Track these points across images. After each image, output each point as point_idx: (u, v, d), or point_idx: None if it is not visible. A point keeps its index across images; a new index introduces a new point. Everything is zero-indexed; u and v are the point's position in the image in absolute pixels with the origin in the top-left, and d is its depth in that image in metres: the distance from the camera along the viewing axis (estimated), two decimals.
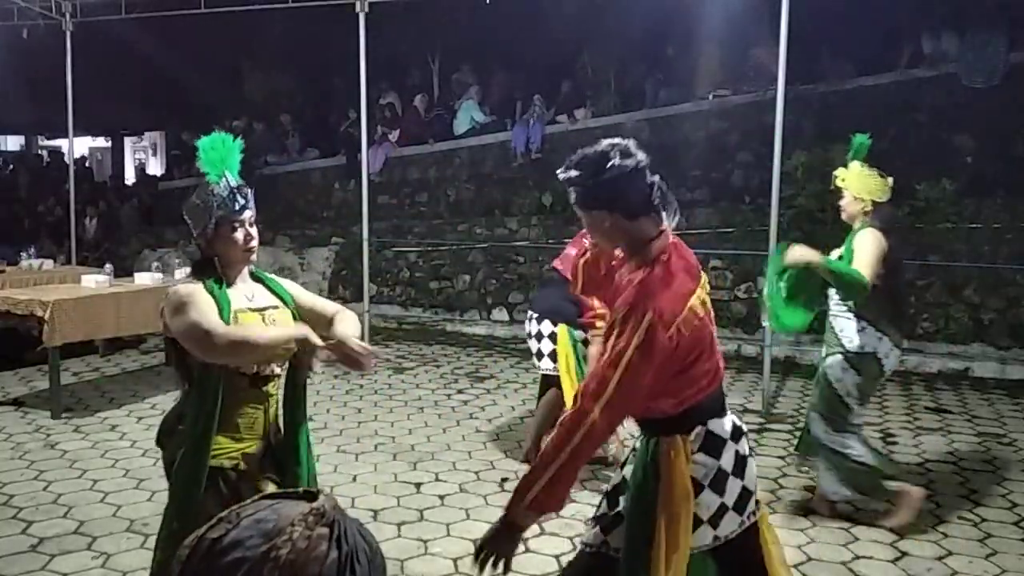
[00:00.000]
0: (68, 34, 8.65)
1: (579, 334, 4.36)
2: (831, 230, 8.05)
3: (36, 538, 3.82)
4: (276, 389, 2.49)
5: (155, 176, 16.65)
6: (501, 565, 2.08)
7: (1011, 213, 7.47)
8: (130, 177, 18.47)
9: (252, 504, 0.88)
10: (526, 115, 10.66)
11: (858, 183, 3.94)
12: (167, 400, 6.16)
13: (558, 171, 2.27)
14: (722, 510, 2.22)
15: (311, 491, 0.90)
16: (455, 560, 3.61)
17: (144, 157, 23.16)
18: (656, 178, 2.21)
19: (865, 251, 3.75)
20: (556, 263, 4.56)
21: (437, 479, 4.61)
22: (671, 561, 2.13)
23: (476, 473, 4.72)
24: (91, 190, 13.98)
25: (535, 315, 4.62)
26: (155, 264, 7.57)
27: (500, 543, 2.10)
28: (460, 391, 6.57)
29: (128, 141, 21.07)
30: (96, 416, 5.78)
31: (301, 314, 2.50)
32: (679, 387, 2.15)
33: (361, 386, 6.74)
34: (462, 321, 9.36)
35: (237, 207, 2.33)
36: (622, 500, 2.26)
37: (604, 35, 10.70)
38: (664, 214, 2.21)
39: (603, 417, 2.04)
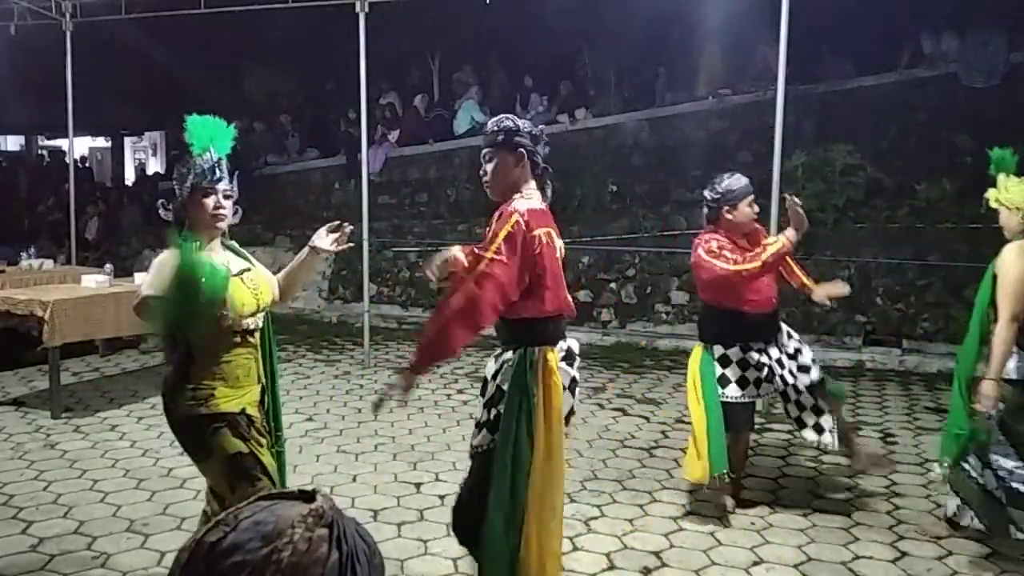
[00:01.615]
0: (68, 34, 8.65)
1: (717, 349, 4.05)
2: (831, 230, 8.08)
3: (36, 538, 3.82)
4: (259, 340, 2.81)
5: (155, 176, 16.66)
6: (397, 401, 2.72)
7: None
8: (130, 177, 18.47)
9: (249, 506, 0.88)
10: (531, 115, 10.67)
11: (1016, 195, 3.66)
12: None
13: (492, 120, 2.91)
14: (570, 411, 2.88)
15: (307, 491, 0.89)
16: (455, 560, 3.61)
17: (144, 157, 23.15)
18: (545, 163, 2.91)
19: (1009, 280, 3.55)
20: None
21: (437, 479, 4.61)
22: (552, 443, 2.69)
23: None
24: (91, 190, 13.99)
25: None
26: None
27: (401, 385, 2.71)
28: (460, 391, 6.57)
29: (128, 141, 21.06)
30: (96, 416, 5.78)
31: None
32: (543, 296, 2.73)
33: (361, 386, 6.74)
34: None
35: (211, 177, 2.64)
36: (503, 404, 2.74)
37: (604, 35, 10.69)
38: (545, 183, 2.92)
39: (482, 287, 2.61)
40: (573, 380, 2.87)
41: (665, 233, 8.83)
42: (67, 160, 11.98)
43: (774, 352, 4.06)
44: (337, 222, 2.90)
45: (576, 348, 2.92)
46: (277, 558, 0.81)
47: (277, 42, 12.76)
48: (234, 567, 0.81)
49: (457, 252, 2.74)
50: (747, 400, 4.06)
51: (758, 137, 8.36)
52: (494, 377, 2.84)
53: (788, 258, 4.12)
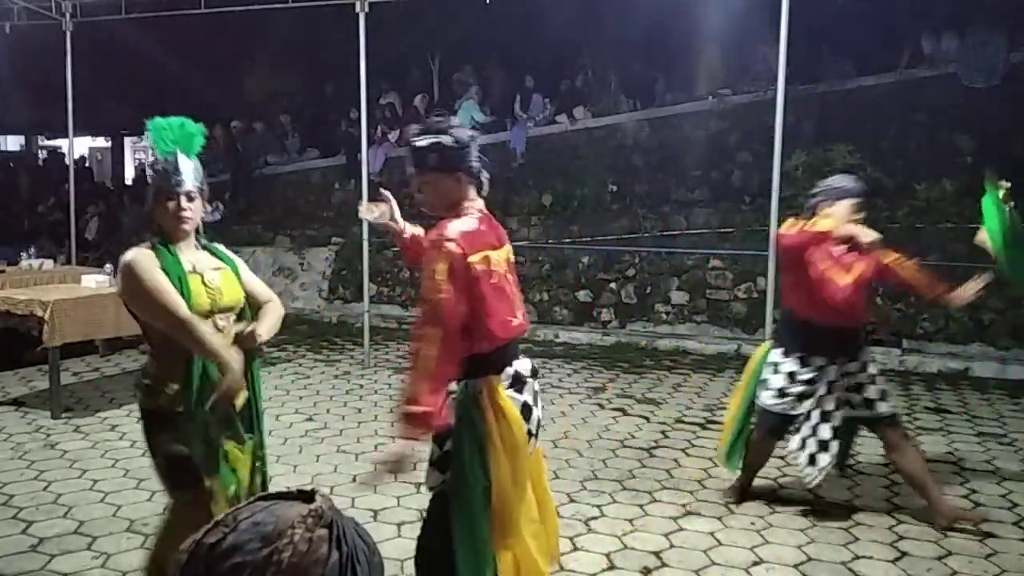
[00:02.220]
0: (68, 34, 8.64)
1: (777, 352, 4.00)
2: None
3: (36, 538, 3.82)
4: (228, 333, 2.71)
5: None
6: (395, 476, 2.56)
7: None
8: (130, 177, 18.46)
9: (248, 506, 0.87)
10: (527, 115, 10.68)
11: None
12: None
13: (412, 138, 2.61)
14: (528, 437, 2.59)
15: (306, 491, 0.89)
16: None
17: (144, 157, 23.14)
18: (478, 153, 2.61)
19: None
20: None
21: None
22: (516, 468, 2.49)
23: None
24: (91, 190, 13.98)
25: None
26: None
27: (398, 461, 2.47)
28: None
29: (128, 141, 21.05)
30: (96, 416, 5.78)
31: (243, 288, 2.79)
32: (493, 328, 2.50)
33: (361, 386, 6.74)
34: None
35: (174, 181, 2.60)
36: (449, 441, 2.55)
37: (604, 35, 10.69)
38: (481, 184, 2.63)
39: (432, 328, 2.40)
40: (526, 407, 2.60)
41: (665, 233, 8.83)
42: (67, 160, 11.99)
43: (832, 372, 3.91)
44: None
45: (527, 370, 2.63)
46: (278, 559, 0.81)
47: (277, 42, 12.75)
48: (234, 568, 0.81)
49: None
50: (785, 412, 3.98)
51: (758, 137, 8.37)
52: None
53: (901, 265, 3.99)
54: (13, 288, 6.73)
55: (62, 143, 19.09)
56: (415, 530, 3.91)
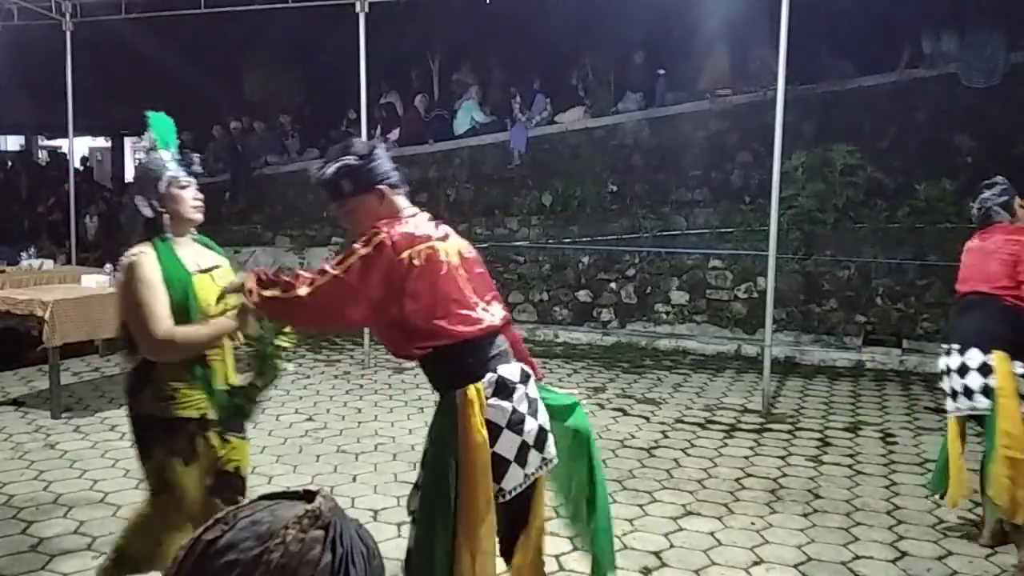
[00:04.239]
0: (68, 34, 8.64)
1: (1019, 365, 3.61)
2: (831, 230, 8.08)
3: (36, 538, 3.82)
4: (229, 340, 2.70)
5: None
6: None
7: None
8: (130, 177, 18.45)
9: (250, 505, 0.87)
10: (526, 116, 10.67)
11: None
12: None
13: (314, 174, 2.51)
14: (525, 448, 2.39)
15: (311, 491, 0.89)
16: None
17: (144, 157, 23.12)
18: (389, 161, 2.50)
19: None
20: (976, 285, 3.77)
21: None
22: (473, 507, 2.29)
23: None
24: (91, 190, 13.97)
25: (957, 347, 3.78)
26: None
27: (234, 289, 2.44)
28: None
29: (128, 141, 21.04)
30: (96, 416, 5.78)
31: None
32: (446, 323, 2.34)
33: (361, 386, 6.74)
34: None
35: (186, 170, 2.67)
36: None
37: (604, 35, 10.69)
38: (407, 190, 2.54)
39: (308, 296, 2.28)
40: (523, 407, 2.41)
41: (665, 233, 8.83)
42: (68, 160, 11.98)
43: None
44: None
45: (514, 375, 2.42)
46: (267, 559, 0.81)
47: (277, 42, 12.76)
48: (226, 566, 0.81)
49: (247, 277, 2.43)
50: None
51: (758, 137, 8.37)
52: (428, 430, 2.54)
53: None
54: (13, 288, 6.73)
55: (62, 143, 19.08)
56: None
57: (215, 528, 0.84)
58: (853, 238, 7.90)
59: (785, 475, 4.71)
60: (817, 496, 4.36)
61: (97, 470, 4.72)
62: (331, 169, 2.42)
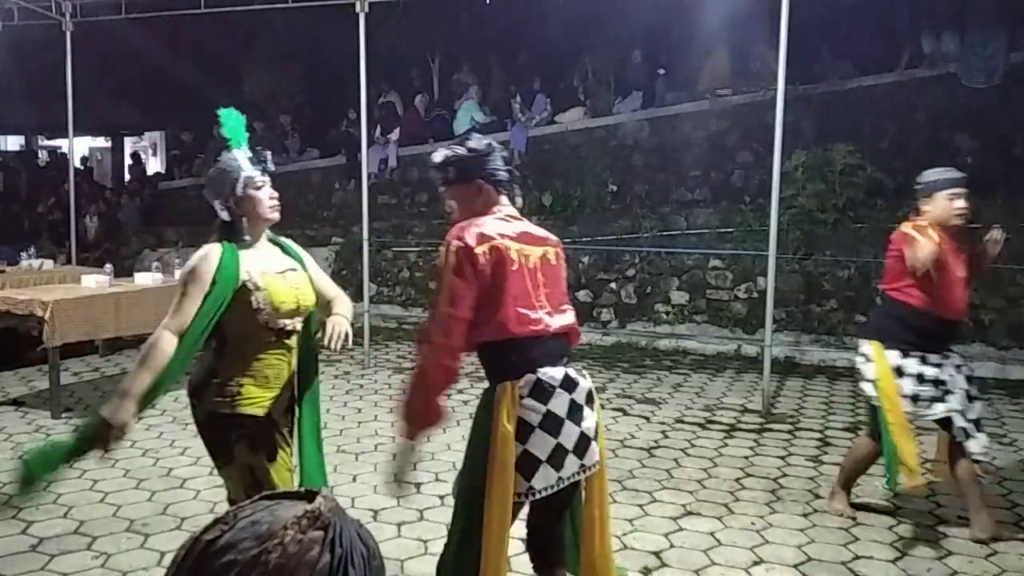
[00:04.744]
0: (68, 34, 8.65)
1: (894, 354, 3.81)
2: (831, 230, 8.07)
3: (36, 538, 3.82)
4: (296, 343, 2.71)
5: (155, 175, 16.65)
6: (408, 485, 2.60)
7: (1011, 213, 7.46)
8: (130, 177, 18.44)
9: (251, 504, 0.87)
10: (526, 116, 10.67)
11: None
12: (167, 400, 6.13)
13: (433, 155, 2.65)
14: (562, 452, 2.46)
15: (313, 491, 0.88)
16: None
17: (144, 157, 23.12)
18: (508, 165, 2.64)
19: None
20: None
21: (437, 479, 4.60)
22: (496, 495, 2.39)
23: None
24: (91, 190, 13.98)
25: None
26: (155, 264, 7.57)
27: (401, 461, 2.52)
28: (460, 391, 6.56)
29: (128, 141, 21.04)
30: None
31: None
32: (504, 318, 2.43)
33: (361, 386, 6.74)
34: None
35: (261, 169, 2.65)
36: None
37: (604, 35, 10.69)
38: (514, 192, 2.66)
39: (438, 332, 2.40)
40: (560, 410, 2.47)
41: (665, 233, 8.83)
42: (69, 160, 11.98)
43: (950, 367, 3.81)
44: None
45: (555, 379, 2.48)
46: (265, 559, 0.80)
47: (277, 42, 12.77)
48: (225, 566, 0.81)
49: (400, 427, 2.50)
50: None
51: (758, 137, 8.37)
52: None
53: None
54: (13, 288, 6.73)
55: (62, 143, 19.07)
56: (415, 530, 3.92)
57: (215, 528, 0.84)
58: (853, 238, 7.89)
59: (785, 475, 4.71)
60: (817, 496, 4.36)
61: (97, 470, 4.71)
62: (441, 154, 2.61)
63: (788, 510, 4.20)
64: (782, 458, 5.01)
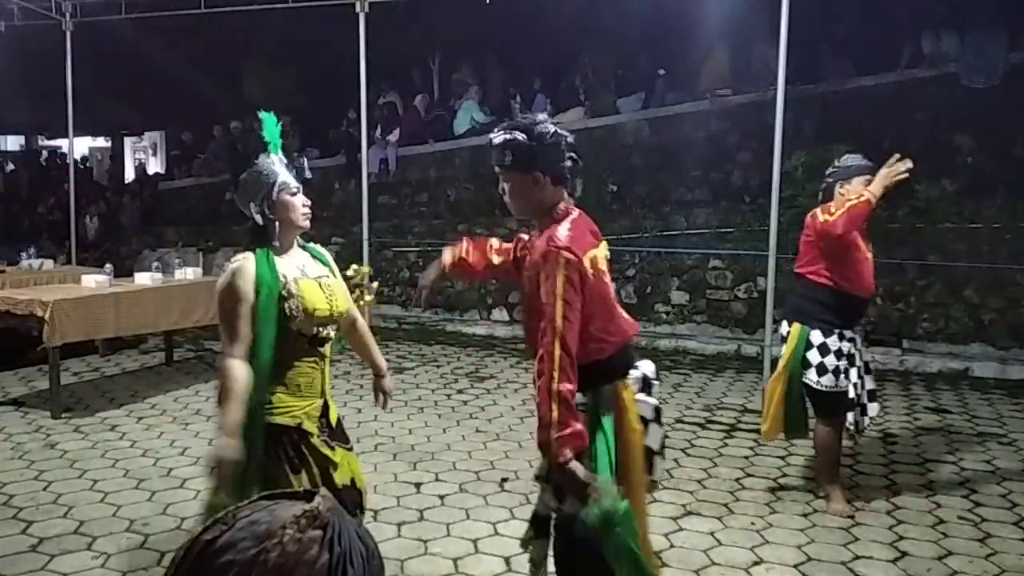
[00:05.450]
0: (68, 34, 8.65)
1: (816, 335, 4.02)
2: None
3: (36, 538, 3.82)
4: (328, 350, 2.70)
5: (155, 175, 16.66)
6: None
7: (1011, 213, 7.47)
8: (130, 177, 18.45)
9: (250, 505, 0.87)
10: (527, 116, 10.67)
11: None
12: (167, 400, 6.15)
13: (493, 135, 2.46)
14: (664, 440, 2.59)
15: (312, 491, 0.88)
16: (455, 560, 3.61)
17: (144, 157, 23.13)
18: (572, 153, 2.46)
19: None
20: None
21: (437, 479, 4.61)
22: (632, 489, 2.37)
23: (476, 473, 4.72)
24: (91, 190, 13.98)
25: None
26: (155, 264, 7.56)
27: (569, 486, 2.30)
28: (460, 391, 6.56)
29: (128, 141, 21.04)
30: (96, 416, 5.78)
31: None
32: (607, 330, 2.41)
33: (361, 386, 6.74)
34: (462, 321, 9.36)
35: (296, 176, 2.62)
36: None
37: (604, 35, 10.69)
38: (574, 186, 2.55)
39: (561, 346, 2.26)
40: (657, 410, 2.55)
41: (665, 233, 8.83)
42: (67, 160, 11.99)
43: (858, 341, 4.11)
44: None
45: (651, 372, 2.56)
46: (264, 559, 0.80)
47: (277, 42, 12.77)
48: (224, 566, 0.81)
49: (558, 453, 2.27)
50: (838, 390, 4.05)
51: (758, 137, 8.36)
52: None
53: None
54: (13, 288, 6.73)
55: (62, 143, 19.07)
56: (415, 530, 3.92)
57: (214, 528, 0.84)
58: None
59: (785, 475, 4.71)
60: (817, 496, 4.36)
61: (97, 470, 4.72)
62: (501, 136, 2.43)
63: (788, 510, 4.19)
64: (782, 458, 5.00)
